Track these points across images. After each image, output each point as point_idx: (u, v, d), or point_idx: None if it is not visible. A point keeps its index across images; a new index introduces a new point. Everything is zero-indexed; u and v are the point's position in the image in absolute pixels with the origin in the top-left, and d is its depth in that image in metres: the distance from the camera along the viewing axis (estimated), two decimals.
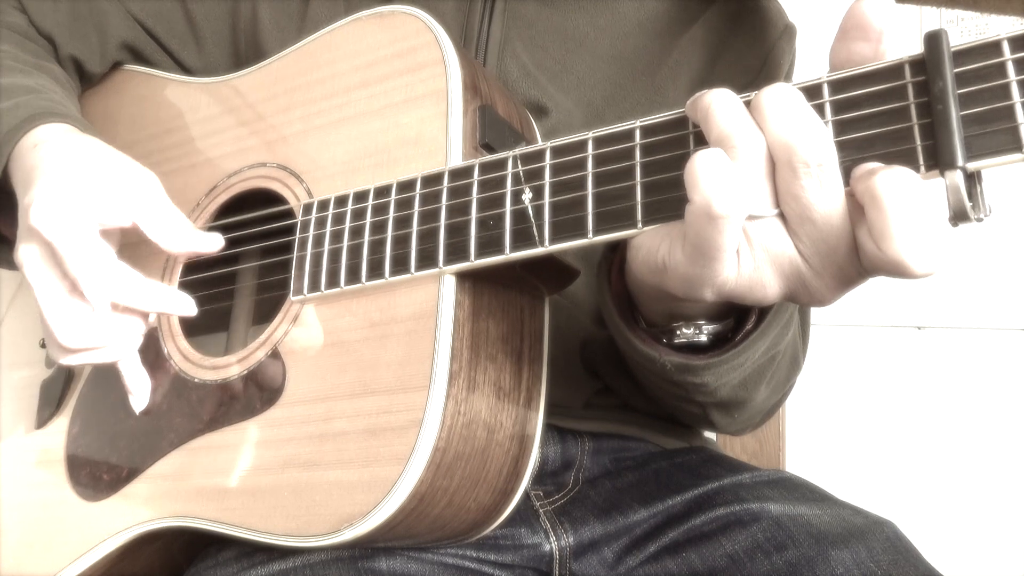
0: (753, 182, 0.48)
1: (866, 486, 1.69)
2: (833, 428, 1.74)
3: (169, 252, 0.72)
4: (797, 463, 1.63)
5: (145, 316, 0.73)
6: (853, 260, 0.47)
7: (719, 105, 0.49)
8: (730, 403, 0.73)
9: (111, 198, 0.69)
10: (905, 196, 0.43)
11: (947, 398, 1.69)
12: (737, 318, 0.64)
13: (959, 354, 1.69)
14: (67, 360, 0.71)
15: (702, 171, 0.46)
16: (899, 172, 0.44)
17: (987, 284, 1.68)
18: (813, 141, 0.46)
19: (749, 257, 0.50)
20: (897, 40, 0.47)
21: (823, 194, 0.46)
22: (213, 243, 0.74)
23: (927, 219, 0.43)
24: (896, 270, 0.45)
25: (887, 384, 1.73)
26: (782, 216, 0.48)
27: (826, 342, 1.72)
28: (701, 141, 0.51)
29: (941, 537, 1.64)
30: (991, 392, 1.67)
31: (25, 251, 0.68)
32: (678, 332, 0.63)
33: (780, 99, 0.47)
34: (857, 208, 0.46)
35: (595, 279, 0.84)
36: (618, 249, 0.65)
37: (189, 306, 0.73)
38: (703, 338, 0.63)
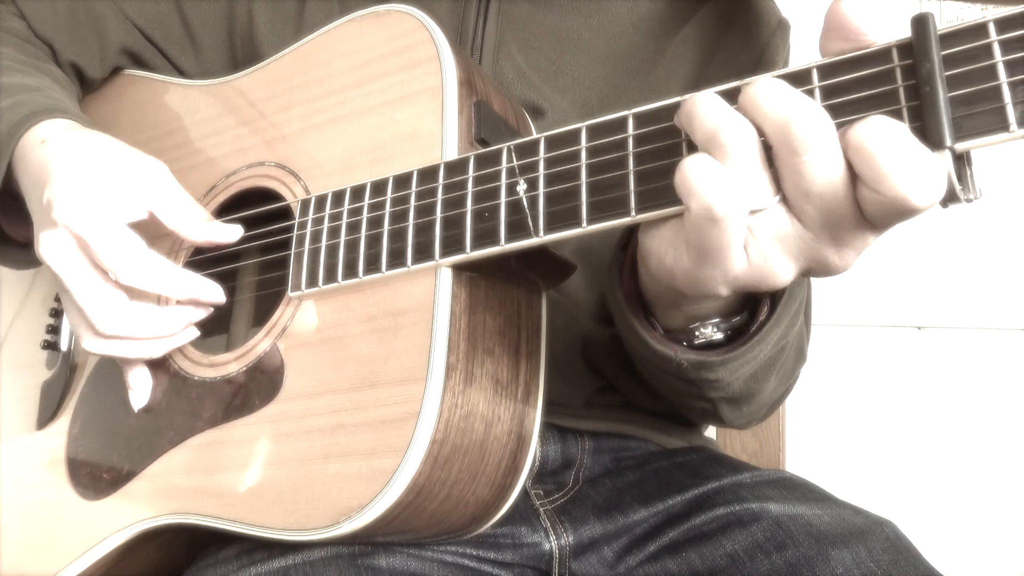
0: (749, 174, 0.48)
1: (866, 486, 1.68)
2: (833, 428, 1.73)
3: (188, 240, 0.74)
4: (797, 463, 1.63)
5: (191, 323, 0.74)
6: (860, 221, 0.47)
7: (702, 104, 0.49)
8: (740, 397, 0.73)
9: (127, 190, 0.70)
10: (885, 136, 0.44)
11: (947, 398, 1.69)
12: (750, 311, 0.64)
13: (959, 354, 1.69)
14: (94, 345, 0.71)
15: (695, 176, 0.47)
16: (872, 118, 0.44)
17: (987, 284, 1.68)
18: (807, 116, 0.46)
19: (756, 248, 0.50)
20: (878, 36, 0.47)
21: (825, 166, 0.46)
22: (231, 233, 0.75)
23: (913, 151, 0.43)
24: (900, 208, 0.45)
25: (887, 384, 1.73)
26: (783, 201, 0.48)
27: (826, 342, 1.72)
28: None
29: (941, 537, 1.63)
30: (991, 392, 1.66)
31: (49, 245, 0.69)
32: (696, 333, 0.63)
33: (767, 86, 0.48)
34: (851, 172, 0.46)
35: (592, 277, 0.84)
36: (628, 249, 0.65)
37: (218, 292, 0.74)
38: (719, 335, 0.63)
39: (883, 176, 0.44)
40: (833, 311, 1.73)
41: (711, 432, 1.06)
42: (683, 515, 0.77)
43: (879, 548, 0.67)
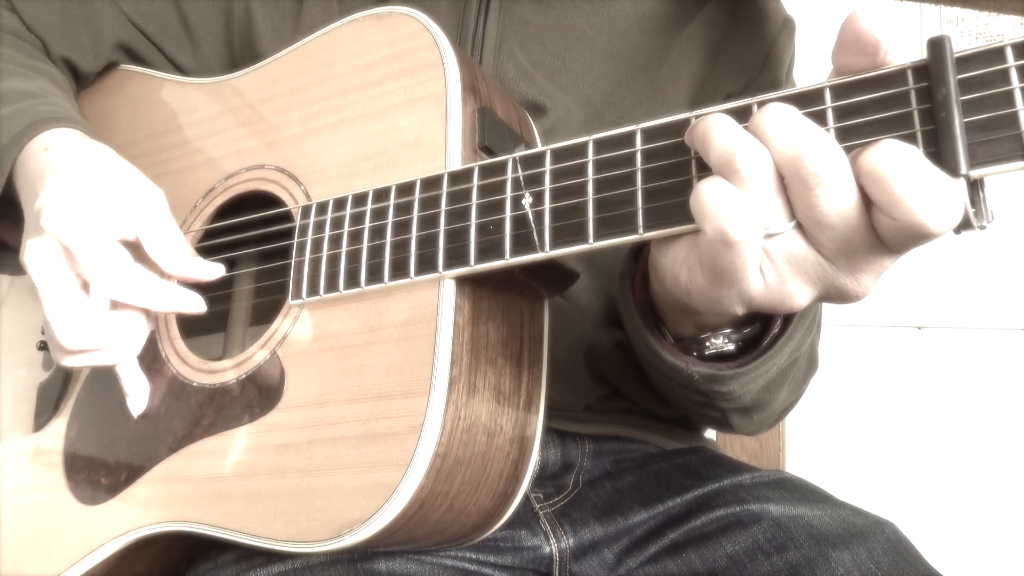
0: (764, 200, 0.47)
1: (866, 486, 1.69)
2: (833, 428, 1.74)
3: (167, 273, 0.72)
4: (797, 463, 1.63)
5: (147, 319, 0.73)
6: (877, 246, 0.47)
7: (716, 128, 0.48)
8: (752, 407, 0.73)
9: (119, 208, 0.69)
10: (899, 160, 0.43)
11: (947, 398, 1.69)
12: (763, 321, 0.63)
13: (959, 354, 1.69)
14: (68, 361, 0.71)
15: (710, 200, 0.46)
16: (885, 143, 0.44)
17: (987, 284, 1.67)
18: (818, 150, 0.45)
19: (773, 271, 0.49)
20: (896, 51, 0.47)
21: (838, 198, 0.46)
22: (212, 271, 0.74)
23: (928, 175, 0.43)
24: (916, 233, 0.44)
25: (887, 384, 1.73)
26: (799, 226, 0.48)
27: (826, 342, 1.72)
28: None
29: (941, 537, 1.64)
30: (991, 392, 1.66)
31: (34, 252, 0.68)
32: (707, 344, 0.63)
33: (777, 115, 0.47)
34: (864, 198, 0.46)
35: (597, 281, 0.84)
36: (640, 259, 0.65)
37: (199, 303, 0.73)
38: (731, 347, 0.63)
39: (898, 201, 0.43)
40: (833, 311, 1.72)
41: (711, 433, 1.06)
42: (683, 516, 0.77)
43: (880, 549, 0.68)
